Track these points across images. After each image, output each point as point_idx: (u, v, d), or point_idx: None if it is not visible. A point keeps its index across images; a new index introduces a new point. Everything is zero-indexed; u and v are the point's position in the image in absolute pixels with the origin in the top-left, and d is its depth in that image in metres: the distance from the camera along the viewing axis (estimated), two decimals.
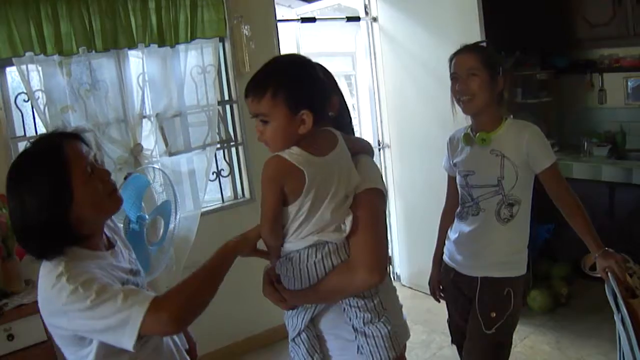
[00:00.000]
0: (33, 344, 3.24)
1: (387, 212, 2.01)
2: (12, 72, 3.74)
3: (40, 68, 3.65)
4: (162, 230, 3.31)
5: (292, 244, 1.84)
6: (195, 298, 1.74)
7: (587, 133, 5.42)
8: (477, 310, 2.82)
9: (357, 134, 2.29)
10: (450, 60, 2.93)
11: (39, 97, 3.67)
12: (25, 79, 3.59)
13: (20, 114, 3.82)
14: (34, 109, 3.71)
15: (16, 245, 3.53)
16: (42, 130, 3.76)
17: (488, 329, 2.79)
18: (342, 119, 2.09)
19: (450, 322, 3.22)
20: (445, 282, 3.17)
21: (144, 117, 4.05)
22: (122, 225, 3.05)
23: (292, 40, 5.26)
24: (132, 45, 3.90)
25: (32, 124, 3.83)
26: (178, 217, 3.50)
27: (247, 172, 4.67)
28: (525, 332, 4.50)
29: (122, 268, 1.96)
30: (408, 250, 5.45)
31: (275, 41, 4.65)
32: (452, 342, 3.23)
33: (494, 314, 2.79)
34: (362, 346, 1.91)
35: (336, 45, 6.09)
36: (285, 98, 1.68)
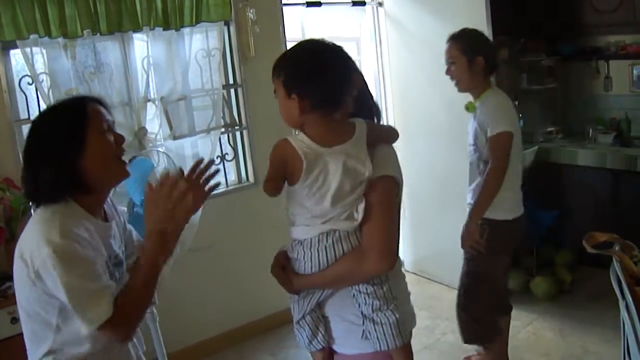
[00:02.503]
0: None
1: (401, 201, 2.01)
2: (16, 55, 3.72)
3: (44, 51, 3.63)
4: None
5: (303, 230, 1.89)
6: (145, 309, 1.89)
7: (593, 120, 5.42)
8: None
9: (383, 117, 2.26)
10: None
11: (43, 80, 3.66)
12: (30, 62, 3.57)
13: (24, 97, 3.81)
14: (38, 92, 3.71)
15: (20, 228, 3.53)
16: None
17: (465, 258, 3.61)
18: (364, 101, 2.05)
19: None
20: None
21: (149, 100, 4.04)
22: (126, 208, 3.05)
23: (297, 24, 5.23)
24: (137, 28, 3.88)
25: (36, 107, 3.81)
26: None
27: (252, 157, 4.66)
28: (528, 319, 4.50)
29: (111, 247, 1.99)
30: (413, 236, 5.46)
31: (281, 25, 4.63)
32: None
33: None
34: (369, 332, 1.93)
35: (341, 29, 6.07)
36: (284, 80, 1.81)
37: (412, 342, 3.86)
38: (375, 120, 2.11)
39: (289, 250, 1.97)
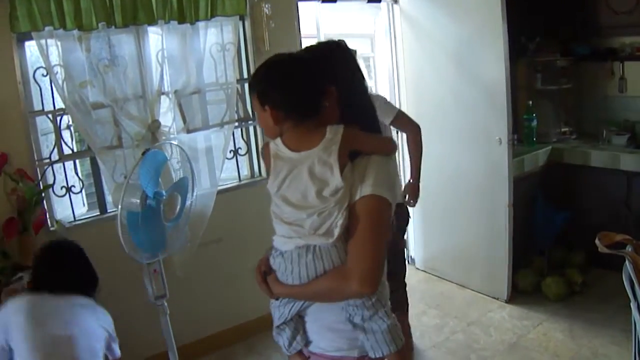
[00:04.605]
0: None
1: (389, 218, 1.92)
2: (31, 47, 3.72)
3: (59, 43, 3.64)
4: (178, 207, 3.31)
5: (282, 241, 1.91)
6: None
7: (606, 121, 5.38)
8: None
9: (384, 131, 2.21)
10: None
11: (57, 72, 3.66)
12: (44, 54, 3.58)
13: (38, 89, 3.81)
14: (53, 84, 3.71)
15: (32, 219, 3.55)
16: (60, 105, 3.77)
17: None
18: (363, 113, 2.10)
19: None
20: None
21: (163, 93, 4.03)
22: (138, 201, 3.05)
23: (312, 20, 5.22)
24: (152, 22, 3.88)
25: (50, 99, 3.82)
26: (195, 194, 3.50)
27: None
28: (538, 319, 4.49)
29: None
30: (423, 234, 5.45)
31: (296, 20, 4.62)
32: None
33: None
34: (363, 342, 1.95)
35: (356, 26, 6.05)
36: (257, 94, 1.90)
37: (421, 340, 3.88)
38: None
39: (271, 261, 1.97)
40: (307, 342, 2.07)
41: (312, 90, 1.87)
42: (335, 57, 2.15)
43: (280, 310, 2.03)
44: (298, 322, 2.05)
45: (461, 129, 4.67)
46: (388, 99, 3.81)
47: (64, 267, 2.95)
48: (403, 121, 3.77)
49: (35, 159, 3.73)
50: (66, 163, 3.95)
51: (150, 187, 3.08)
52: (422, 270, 5.47)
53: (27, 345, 2.67)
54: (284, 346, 2.08)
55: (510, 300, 4.76)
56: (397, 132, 4.28)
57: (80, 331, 2.81)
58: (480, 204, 4.79)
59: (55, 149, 3.78)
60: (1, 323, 2.71)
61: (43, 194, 3.66)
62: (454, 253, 5.19)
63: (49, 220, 3.80)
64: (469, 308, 4.79)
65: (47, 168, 3.79)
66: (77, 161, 4.05)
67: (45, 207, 3.75)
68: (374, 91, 4.16)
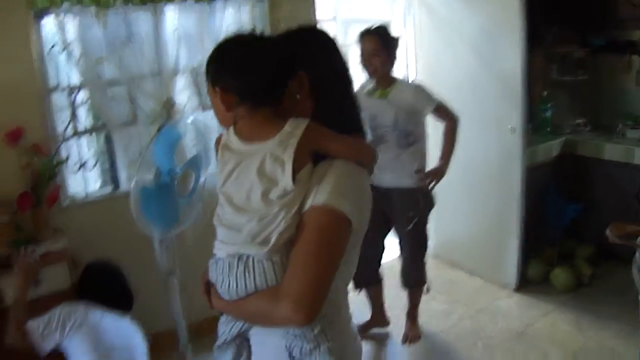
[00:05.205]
0: (58, 290, 3.32)
1: (345, 239, 1.58)
2: (47, 23, 3.73)
3: (76, 19, 3.65)
4: (192, 184, 3.32)
5: (217, 245, 1.64)
6: None
7: (622, 114, 5.34)
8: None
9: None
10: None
11: (74, 49, 3.68)
12: (61, 30, 3.60)
13: (54, 65, 3.82)
14: (69, 60, 3.73)
15: (46, 194, 3.58)
16: (76, 81, 3.78)
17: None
18: (343, 111, 1.77)
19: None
20: None
21: (178, 71, 4.04)
22: (152, 177, 3.08)
23: (328, 2, 5.21)
24: (169, 0, 3.89)
25: (66, 75, 3.84)
26: (208, 171, 3.52)
27: None
28: (546, 309, 4.49)
29: None
30: (435, 221, 5.42)
31: (311, 2, 4.61)
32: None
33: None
34: None
35: (372, 11, 6.03)
36: (209, 75, 1.64)
37: (429, 324, 3.89)
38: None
39: (208, 270, 1.69)
40: None
41: (271, 74, 1.58)
42: (313, 43, 1.79)
43: (221, 328, 1.79)
44: (242, 344, 1.80)
45: (476, 116, 4.65)
46: (425, 88, 3.85)
47: (109, 287, 3.08)
48: (442, 112, 3.85)
49: (50, 134, 3.76)
50: (80, 139, 3.96)
51: (165, 163, 3.10)
52: (432, 257, 5.46)
53: (88, 357, 2.79)
54: None
55: (519, 289, 4.77)
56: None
57: (134, 344, 3.02)
58: (492, 192, 4.79)
59: (70, 125, 3.80)
60: (62, 325, 2.78)
61: (57, 169, 3.69)
62: (465, 240, 5.19)
63: (62, 196, 3.82)
64: (478, 295, 4.81)
65: (61, 144, 3.82)
66: (91, 137, 4.06)
67: (59, 182, 3.77)
68: (411, 79, 4.20)
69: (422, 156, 3.91)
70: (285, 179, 1.51)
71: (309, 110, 1.66)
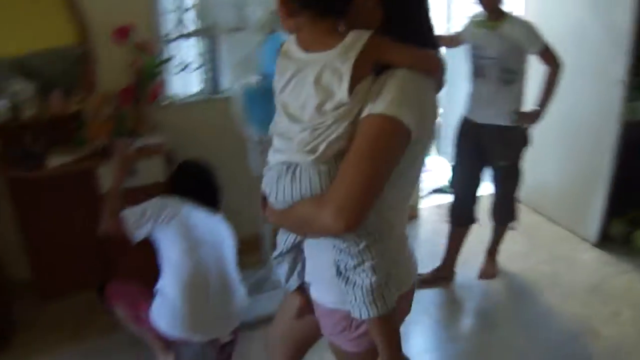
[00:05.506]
0: (152, 183, 3.51)
1: (400, 149, 1.51)
2: None
3: None
4: None
5: (270, 153, 1.64)
6: None
7: None
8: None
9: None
10: None
11: None
12: None
13: None
14: None
15: (148, 91, 3.71)
16: None
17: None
18: (414, 26, 1.64)
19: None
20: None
21: None
22: (255, 80, 3.15)
23: None
24: None
25: None
26: None
27: None
28: (624, 269, 4.42)
29: None
30: (525, 163, 5.35)
31: None
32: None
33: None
34: (344, 295, 1.66)
35: None
36: None
37: (505, 265, 3.89)
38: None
39: (264, 179, 1.67)
40: (308, 285, 1.87)
41: None
42: None
43: (278, 241, 1.84)
44: (297, 257, 1.85)
45: (579, 64, 4.51)
46: (535, 28, 3.71)
47: (201, 184, 3.20)
48: (547, 55, 3.70)
49: (157, 35, 3.86)
50: (185, 42, 4.05)
51: (270, 69, 3.16)
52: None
53: (178, 247, 2.93)
54: (281, 281, 1.93)
55: (599, 245, 4.69)
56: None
57: (222, 240, 3.14)
58: (587, 143, 4.67)
59: (177, 27, 3.89)
60: (155, 216, 2.92)
61: (160, 69, 3.80)
62: (552, 188, 5.12)
63: (162, 95, 3.95)
64: (558, 243, 4.77)
65: (167, 44, 3.92)
66: (195, 41, 4.14)
67: (161, 81, 3.90)
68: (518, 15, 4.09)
69: (519, 96, 3.80)
70: (341, 92, 1.46)
71: (378, 20, 1.57)
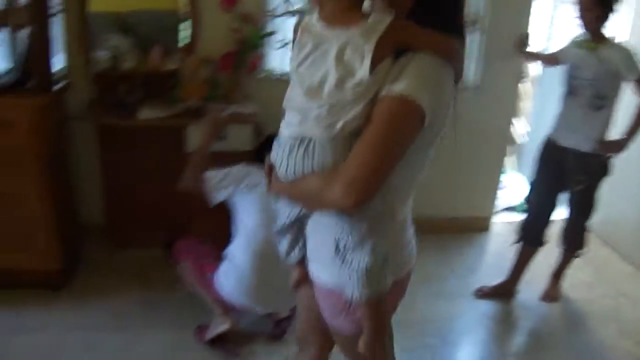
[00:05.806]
0: (240, 150, 3.54)
1: (415, 131, 1.50)
2: None
3: None
4: None
5: (283, 124, 1.64)
6: None
7: None
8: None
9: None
10: None
11: None
12: None
13: None
14: None
15: (248, 61, 3.75)
16: None
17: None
18: (443, 14, 1.60)
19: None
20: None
21: None
22: None
23: None
24: None
25: None
26: None
27: None
28: None
29: None
30: (602, 193, 5.23)
31: None
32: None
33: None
34: (341, 274, 1.66)
35: None
36: None
37: (569, 292, 3.81)
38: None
39: (272, 151, 1.69)
40: (308, 261, 1.86)
41: None
42: None
43: (281, 213, 1.83)
44: (300, 231, 1.84)
45: None
46: (634, 55, 3.61)
47: None
48: None
49: (263, 8, 3.94)
50: (289, 19, 4.07)
51: None
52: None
53: (256, 216, 2.96)
54: (282, 253, 1.93)
55: None
56: None
57: None
58: None
59: (284, 4, 3.93)
60: (238, 182, 2.98)
61: (262, 41, 3.87)
62: (627, 223, 4.98)
63: (260, 67, 4.02)
64: (625, 280, 4.64)
65: (271, 19, 3.99)
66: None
67: (261, 54, 3.97)
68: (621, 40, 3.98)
69: (606, 124, 3.72)
70: (362, 71, 1.45)
71: (406, 4, 1.56)
